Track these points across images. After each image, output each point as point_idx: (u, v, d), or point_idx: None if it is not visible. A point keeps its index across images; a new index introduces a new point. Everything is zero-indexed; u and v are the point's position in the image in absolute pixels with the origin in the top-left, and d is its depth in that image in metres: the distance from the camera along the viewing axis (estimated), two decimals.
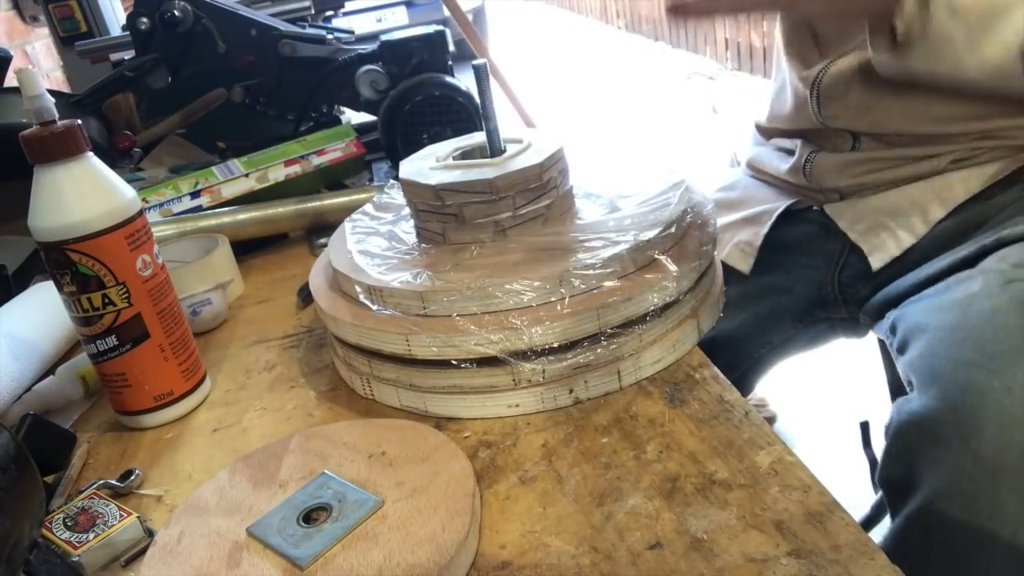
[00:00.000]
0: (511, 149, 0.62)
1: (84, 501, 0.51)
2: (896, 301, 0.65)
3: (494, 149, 0.62)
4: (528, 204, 0.60)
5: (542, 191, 0.60)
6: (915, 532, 0.45)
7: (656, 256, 0.57)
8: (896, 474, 0.48)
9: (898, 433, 0.48)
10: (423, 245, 0.62)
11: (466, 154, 0.65)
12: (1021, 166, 0.66)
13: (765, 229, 0.81)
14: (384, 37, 1.12)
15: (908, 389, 0.52)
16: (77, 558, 0.47)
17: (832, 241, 0.79)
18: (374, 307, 0.58)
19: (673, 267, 0.56)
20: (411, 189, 0.62)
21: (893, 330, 0.60)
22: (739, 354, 0.88)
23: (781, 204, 0.83)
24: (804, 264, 0.82)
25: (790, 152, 0.82)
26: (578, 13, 8.07)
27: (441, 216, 0.60)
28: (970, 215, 0.67)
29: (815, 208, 0.81)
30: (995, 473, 0.41)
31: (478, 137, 0.66)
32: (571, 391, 0.54)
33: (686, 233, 0.60)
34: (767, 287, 0.84)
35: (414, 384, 0.56)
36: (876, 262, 0.71)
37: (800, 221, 0.83)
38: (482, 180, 0.58)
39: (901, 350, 0.56)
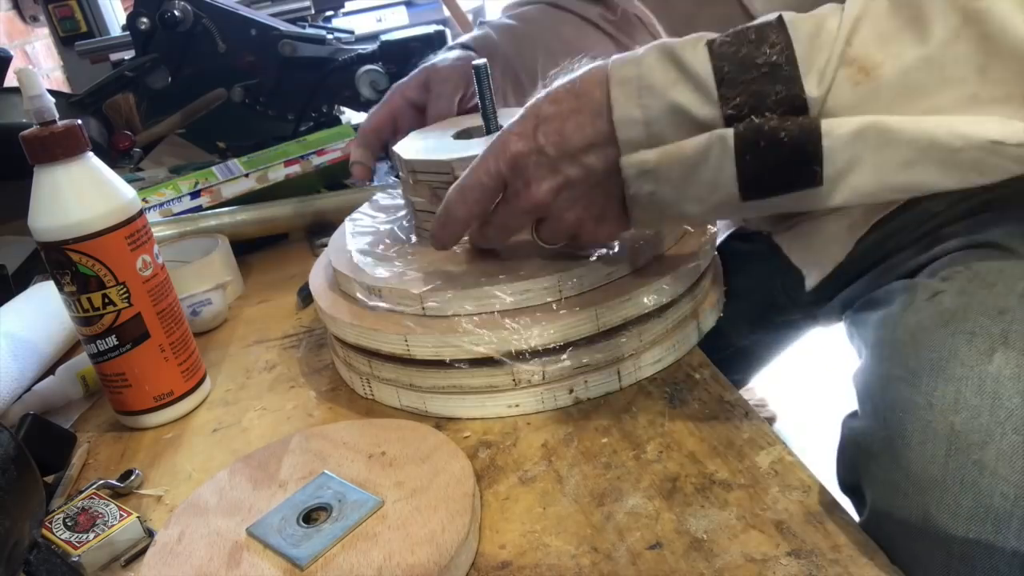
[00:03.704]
0: None
1: (84, 501, 0.51)
2: (850, 303, 0.64)
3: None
4: None
5: None
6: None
7: (654, 257, 0.57)
8: (850, 483, 0.49)
9: (844, 448, 0.49)
10: (422, 245, 0.62)
11: (466, 133, 0.65)
12: None
13: (716, 241, 0.81)
14: (384, 37, 1.12)
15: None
16: (77, 558, 0.47)
17: (777, 257, 0.78)
18: (373, 307, 0.58)
19: (671, 269, 0.55)
20: (410, 186, 0.62)
21: (852, 340, 0.61)
22: None
23: (732, 227, 0.84)
24: (753, 273, 0.82)
25: None
26: None
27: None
28: (899, 224, 0.65)
29: (763, 232, 0.81)
30: (923, 488, 0.41)
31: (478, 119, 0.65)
32: (571, 391, 0.54)
33: (685, 233, 0.60)
34: None
35: (414, 384, 0.56)
36: (810, 281, 0.70)
37: (749, 238, 0.83)
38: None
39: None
